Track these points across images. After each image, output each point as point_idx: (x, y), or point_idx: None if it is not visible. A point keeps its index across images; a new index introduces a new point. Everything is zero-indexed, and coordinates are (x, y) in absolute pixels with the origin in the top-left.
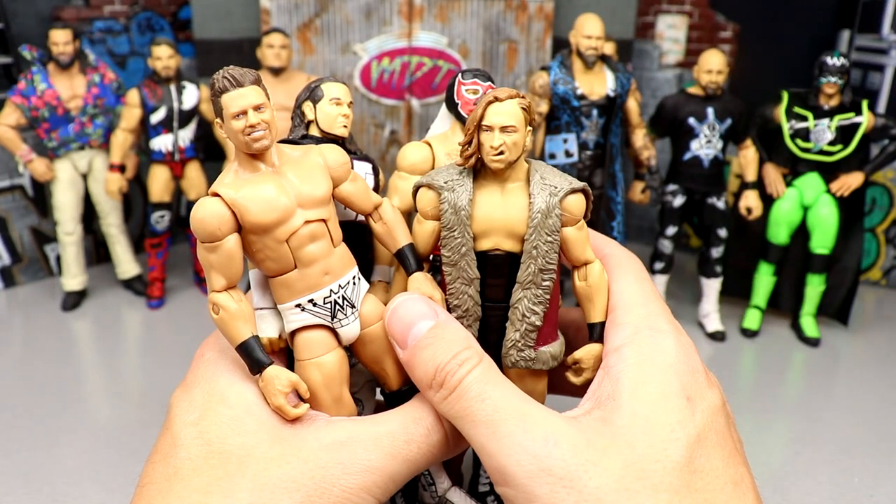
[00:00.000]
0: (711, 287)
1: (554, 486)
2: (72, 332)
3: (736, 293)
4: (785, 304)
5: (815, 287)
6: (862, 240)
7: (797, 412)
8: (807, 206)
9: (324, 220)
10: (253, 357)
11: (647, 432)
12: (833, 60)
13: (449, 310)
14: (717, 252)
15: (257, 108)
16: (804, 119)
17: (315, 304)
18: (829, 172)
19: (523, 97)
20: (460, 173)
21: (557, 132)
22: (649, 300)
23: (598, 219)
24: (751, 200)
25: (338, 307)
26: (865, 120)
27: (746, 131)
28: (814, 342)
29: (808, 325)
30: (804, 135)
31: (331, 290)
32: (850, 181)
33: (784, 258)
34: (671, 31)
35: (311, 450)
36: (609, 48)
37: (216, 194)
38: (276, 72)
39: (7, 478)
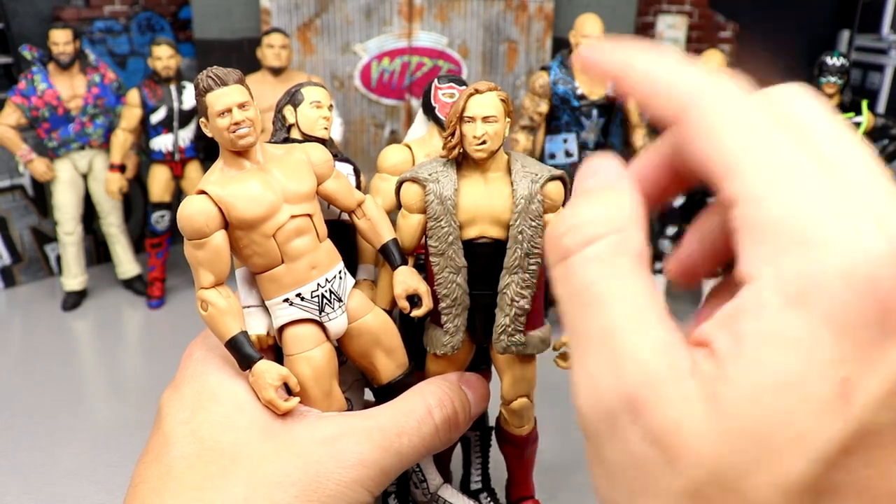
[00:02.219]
0: (711, 286)
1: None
2: (72, 332)
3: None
4: None
5: None
6: None
7: None
8: None
9: (309, 215)
10: (242, 352)
11: (754, 433)
12: (833, 60)
13: (437, 300)
14: None
15: (241, 106)
16: None
17: (303, 299)
18: None
19: (501, 90)
20: (444, 165)
21: (557, 132)
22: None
23: None
24: None
25: (325, 301)
26: (865, 120)
27: None
28: None
29: None
30: None
31: (318, 284)
32: None
33: None
34: (671, 30)
35: (304, 444)
36: None
37: (202, 192)
38: (277, 72)
39: (6, 478)
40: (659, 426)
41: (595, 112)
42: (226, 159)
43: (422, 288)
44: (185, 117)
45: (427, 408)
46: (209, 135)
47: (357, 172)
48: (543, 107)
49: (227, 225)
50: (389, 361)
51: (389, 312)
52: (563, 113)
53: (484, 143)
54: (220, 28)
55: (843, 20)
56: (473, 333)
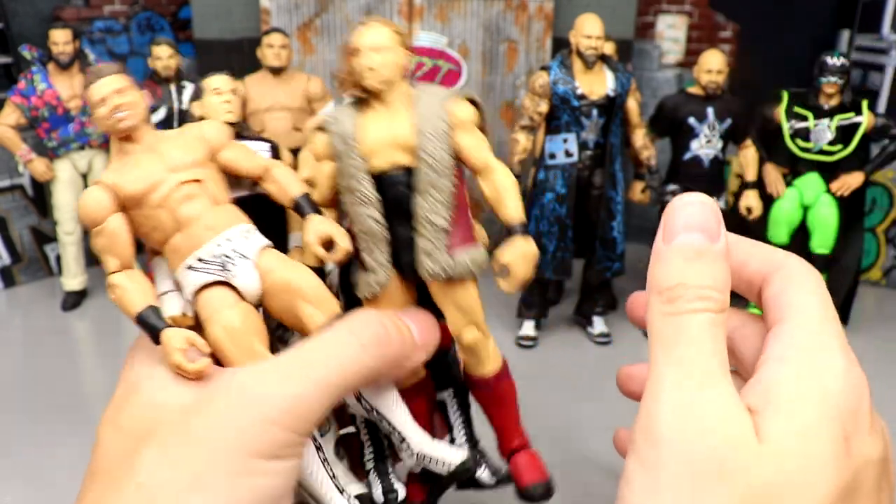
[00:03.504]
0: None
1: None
2: (72, 332)
3: (736, 293)
4: None
5: None
6: (862, 240)
7: None
8: (807, 206)
9: (198, 181)
10: (149, 325)
11: (789, 464)
12: (833, 60)
13: (352, 237)
14: None
15: (119, 92)
16: (804, 119)
17: (204, 261)
18: (830, 172)
19: (395, 25)
20: (347, 106)
21: (557, 132)
22: (826, 320)
23: (598, 219)
24: (751, 200)
25: (227, 259)
26: (865, 120)
27: (747, 131)
28: None
29: None
30: (804, 135)
31: (217, 244)
32: (850, 181)
33: None
34: (671, 30)
35: (215, 399)
36: (609, 48)
37: (97, 183)
38: (276, 71)
39: (7, 478)
40: (731, 469)
41: (595, 112)
42: (115, 149)
43: (335, 230)
44: (185, 117)
45: (348, 330)
46: (99, 131)
47: (275, 150)
48: (543, 107)
49: (122, 208)
50: (316, 311)
51: (321, 272)
52: (563, 113)
53: (373, 70)
54: (220, 28)
55: (843, 20)
56: (399, 267)
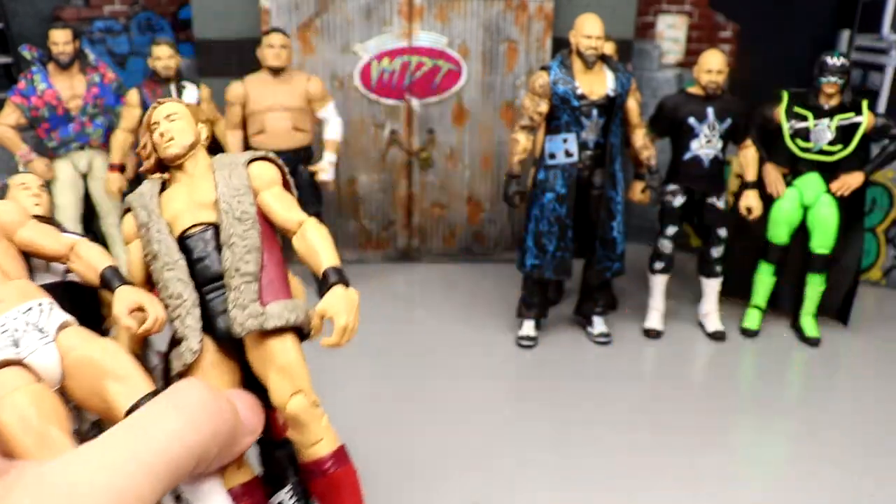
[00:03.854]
0: (711, 287)
1: None
2: None
3: (736, 293)
4: (785, 304)
5: (815, 287)
6: (862, 240)
7: (797, 412)
8: (807, 206)
9: None
10: None
11: None
12: (833, 60)
13: (166, 306)
14: (716, 252)
15: None
16: (804, 119)
17: None
18: (830, 172)
19: (188, 104)
20: (152, 182)
21: (557, 132)
22: None
23: (598, 219)
24: (751, 200)
25: (19, 333)
26: (865, 120)
27: (747, 131)
28: (814, 342)
29: (808, 324)
30: (804, 135)
31: (8, 318)
32: (850, 181)
33: (784, 258)
34: (671, 30)
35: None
36: (609, 48)
37: None
38: (276, 72)
39: None
40: None
41: (595, 112)
42: None
43: (146, 298)
44: None
45: (170, 402)
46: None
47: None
48: (543, 107)
49: None
50: (124, 388)
51: (146, 362)
52: (563, 113)
53: (172, 139)
54: (220, 28)
55: (843, 20)
56: (214, 333)
